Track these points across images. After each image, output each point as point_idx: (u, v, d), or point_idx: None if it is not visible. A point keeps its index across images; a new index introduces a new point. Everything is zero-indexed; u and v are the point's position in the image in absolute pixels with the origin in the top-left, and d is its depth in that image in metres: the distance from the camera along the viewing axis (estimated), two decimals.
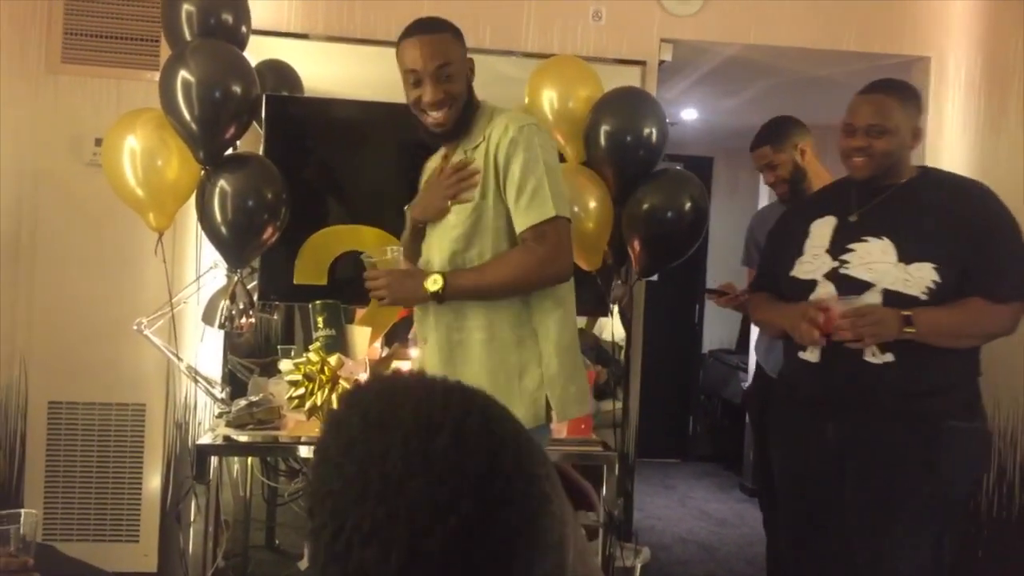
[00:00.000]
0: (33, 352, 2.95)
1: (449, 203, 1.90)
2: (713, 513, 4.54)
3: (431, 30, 1.88)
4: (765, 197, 4.78)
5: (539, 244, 1.84)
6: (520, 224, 1.86)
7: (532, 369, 1.89)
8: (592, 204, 2.71)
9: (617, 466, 2.61)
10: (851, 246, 2.04)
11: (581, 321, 3.51)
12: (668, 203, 2.69)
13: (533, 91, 2.82)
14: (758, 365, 3.02)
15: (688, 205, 2.70)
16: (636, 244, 2.73)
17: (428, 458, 0.60)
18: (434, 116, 1.88)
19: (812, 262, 2.09)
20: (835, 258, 2.05)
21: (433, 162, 2.09)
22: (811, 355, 2.07)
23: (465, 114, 1.91)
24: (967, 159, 3.22)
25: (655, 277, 3.29)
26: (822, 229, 2.12)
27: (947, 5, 3.36)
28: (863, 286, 1.99)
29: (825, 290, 2.04)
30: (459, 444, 0.60)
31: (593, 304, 3.14)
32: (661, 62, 3.32)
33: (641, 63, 3.23)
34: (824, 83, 3.82)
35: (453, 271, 1.89)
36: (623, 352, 3.21)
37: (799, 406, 2.15)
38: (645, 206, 2.69)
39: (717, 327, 5.75)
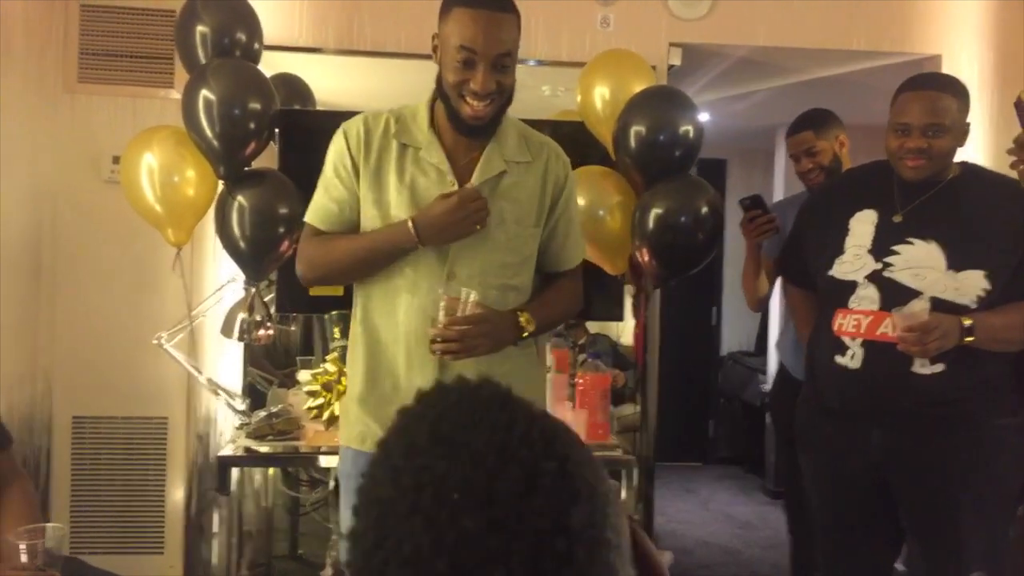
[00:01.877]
0: (56, 368, 2.99)
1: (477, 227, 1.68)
2: (736, 516, 4.52)
3: (502, 7, 1.62)
4: (781, 195, 4.77)
5: (578, 279, 1.90)
6: (569, 260, 1.86)
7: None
8: (617, 207, 2.64)
9: (636, 470, 2.61)
10: (896, 248, 1.98)
11: (597, 325, 3.54)
12: (681, 211, 2.52)
13: (585, 88, 2.75)
14: (781, 366, 2.99)
15: (704, 211, 2.52)
16: (645, 254, 2.57)
17: (490, 496, 0.55)
18: (476, 107, 1.62)
19: (853, 262, 2.02)
20: (878, 259, 1.99)
21: (429, 149, 1.72)
22: (851, 361, 2.00)
23: (503, 110, 1.69)
24: (978, 157, 3.20)
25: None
26: (863, 226, 2.04)
27: (957, 2, 3.35)
28: (909, 292, 1.93)
29: (867, 292, 1.98)
30: (527, 489, 0.55)
31: (608, 308, 3.14)
32: (670, 66, 3.33)
33: (651, 68, 3.24)
34: (836, 83, 3.81)
35: (531, 307, 1.75)
36: (639, 356, 3.20)
37: (837, 413, 2.07)
38: (655, 213, 2.52)
39: (735, 329, 5.73)
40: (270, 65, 2.84)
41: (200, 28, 2.48)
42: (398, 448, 0.59)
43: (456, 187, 1.69)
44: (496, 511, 0.54)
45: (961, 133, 2.00)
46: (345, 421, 1.82)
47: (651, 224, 2.51)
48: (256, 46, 2.59)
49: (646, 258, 2.57)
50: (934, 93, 1.97)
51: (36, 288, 2.98)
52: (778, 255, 2.51)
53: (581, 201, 2.67)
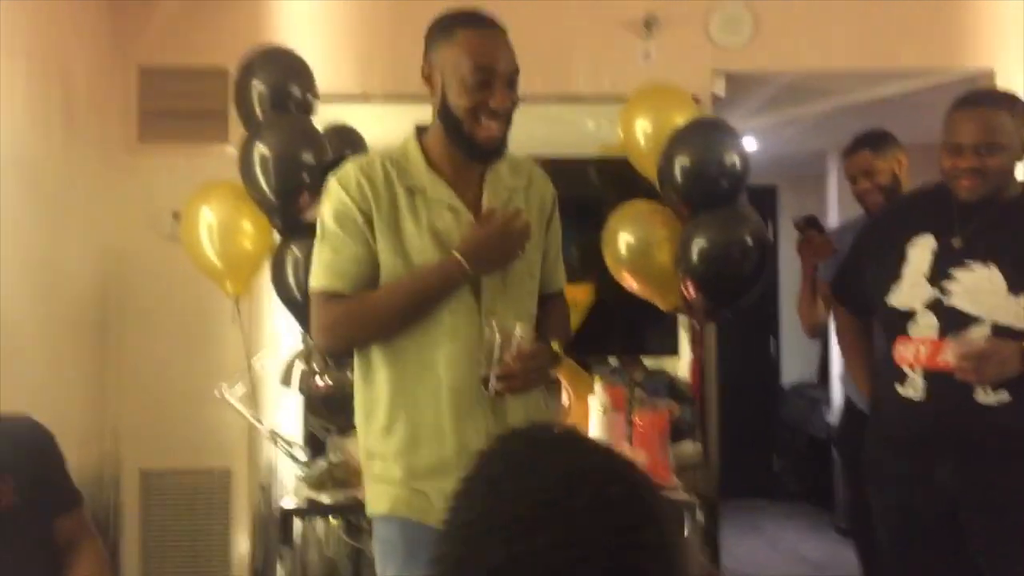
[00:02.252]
0: (123, 422, 3.06)
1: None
2: (808, 555, 4.37)
3: (500, 26, 1.63)
4: (835, 220, 4.68)
5: (565, 300, 1.86)
6: (559, 280, 1.82)
7: None
8: (665, 241, 2.60)
9: (699, 510, 2.54)
10: (954, 273, 1.92)
11: (653, 360, 3.49)
12: (724, 242, 2.48)
13: (626, 125, 2.76)
14: (847, 399, 2.91)
15: (748, 241, 2.49)
16: (691, 286, 2.52)
17: (564, 513, 0.59)
18: (492, 128, 1.58)
19: (911, 290, 1.97)
20: (935, 285, 1.93)
21: (436, 189, 1.65)
22: (913, 391, 1.94)
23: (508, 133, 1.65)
24: None
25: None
26: (921, 252, 1.99)
27: (1008, 15, 3.28)
28: (968, 319, 1.87)
29: (925, 320, 1.93)
30: (600, 506, 0.59)
31: (663, 343, 3.11)
32: (715, 96, 3.31)
33: (695, 99, 3.22)
34: (888, 103, 3.75)
35: (552, 335, 1.72)
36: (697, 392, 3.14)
37: (902, 446, 2.02)
38: (698, 245, 2.49)
39: (796, 360, 5.60)
40: (321, 115, 2.90)
41: (256, 84, 2.55)
42: (480, 481, 0.64)
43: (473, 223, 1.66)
44: (569, 528, 0.58)
45: (1019, 150, 1.94)
46: (385, 490, 1.66)
47: (694, 256, 2.49)
48: (310, 99, 2.65)
49: (692, 291, 2.54)
50: (986, 110, 1.92)
51: (102, 344, 3.06)
52: (833, 277, 2.46)
53: (629, 237, 2.67)
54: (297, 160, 2.46)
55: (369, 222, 1.61)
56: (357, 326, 1.64)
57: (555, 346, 1.69)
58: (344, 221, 1.61)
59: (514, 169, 1.73)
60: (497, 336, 1.56)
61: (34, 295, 2.61)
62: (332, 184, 1.64)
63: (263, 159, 2.45)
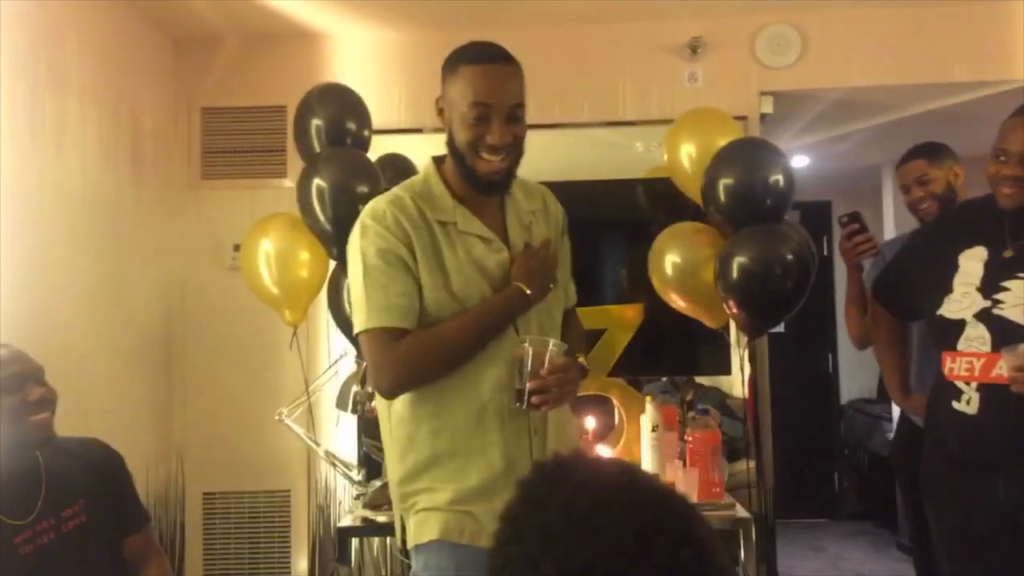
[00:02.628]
0: (188, 446, 3.19)
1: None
2: (869, 575, 4.27)
3: (507, 60, 1.62)
4: (891, 234, 4.60)
5: (577, 315, 1.91)
6: (572, 296, 1.87)
7: None
8: (711, 260, 2.58)
9: (754, 529, 2.52)
10: (1006, 284, 1.89)
11: (707, 380, 3.48)
12: (762, 259, 2.45)
13: (671, 149, 2.78)
14: (902, 415, 2.86)
15: (788, 258, 2.45)
16: (732, 305, 2.51)
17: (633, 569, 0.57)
18: (494, 162, 1.60)
19: (961, 300, 1.94)
20: (987, 296, 1.90)
21: (466, 221, 1.68)
22: (967, 406, 1.92)
23: (516, 165, 1.67)
24: None
25: (781, 328, 3.19)
26: (972, 264, 1.96)
27: None
28: (1021, 330, 1.84)
29: (976, 332, 1.90)
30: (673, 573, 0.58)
31: (716, 363, 3.10)
32: (763, 115, 3.31)
33: (743, 118, 3.23)
34: (941, 116, 3.69)
35: (575, 349, 1.76)
36: (751, 410, 3.13)
37: (959, 462, 1.98)
38: (738, 262, 2.47)
39: (855, 376, 5.49)
40: (377, 147, 3.00)
41: (315, 121, 2.66)
42: (530, 531, 0.60)
43: (504, 251, 1.68)
44: (620, 539, 0.57)
45: None
46: (434, 517, 1.64)
47: (734, 273, 2.47)
48: (366, 133, 2.75)
49: (734, 309, 2.53)
50: None
51: (168, 372, 3.20)
52: (875, 278, 2.43)
53: (675, 258, 2.68)
54: (352, 191, 2.55)
55: (412, 256, 1.61)
56: (426, 361, 1.62)
57: (581, 359, 1.72)
58: (388, 257, 1.60)
59: (527, 193, 1.77)
60: (531, 351, 1.58)
61: (104, 325, 2.75)
62: (368, 222, 1.63)
63: (320, 190, 2.55)
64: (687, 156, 2.73)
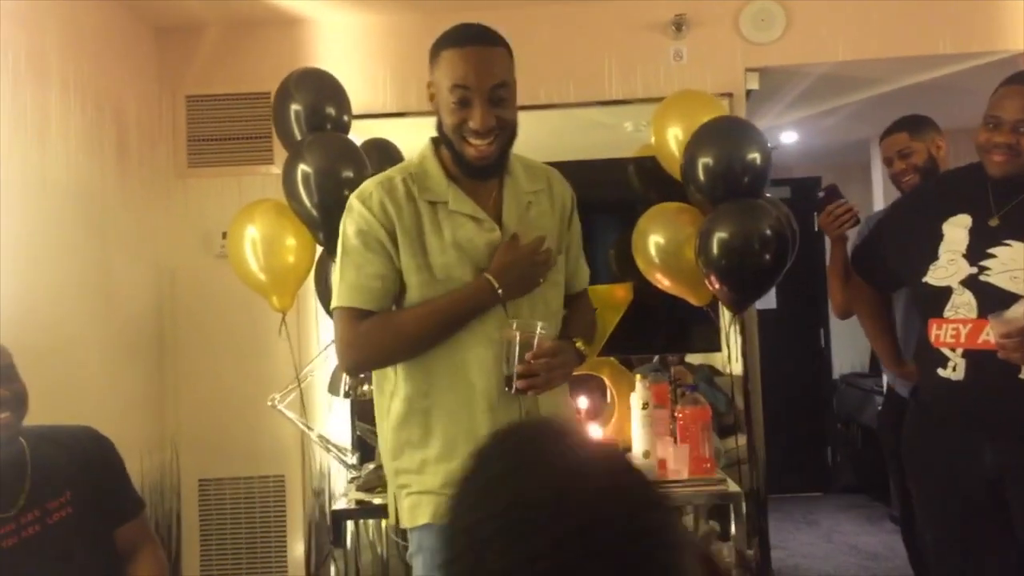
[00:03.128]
0: (182, 434, 3.20)
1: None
2: (863, 547, 4.31)
3: (488, 41, 1.61)
4: (880, 205, 4.61)
5: (589, 298, 1.89)
6: (583, 280, 1.86)
7: None
8: (693, 238, 2.61)
9: (745, 503, 2.55)
10: (992, 251, 1.91)
11: (695, 356, 3.50)
12: (742, 233, 2.49)
13: (658, 131, 2.81)
14: (888, 386, 2.89)
15: (767, 231, 2.49)
16: (714, 280, 2.55)
17: (559, 512, 0.61)
18: (479, 146, 1.59)
19: (947, 267, 1.96)
20: (973, 263, 1.92)
21: (457, 201, 1.66)
22: (953, 373, 1.93)
23: (508, 146, 1.65)
24: None
25: (773, 305, 3.22)
26: (957, 231, 1.98)
27: None
28: (1008, 297, 1.86)
29: (962, 299, 1.92)
30: (603, 499, 0.62)
31: (705, 340, 3.11)
32: (749, 92, 3.31)
33: (728, 95, 3.23)
34: (927, 88, 3.69)
35: (577, 334, 1.76)
36: (741, 386, 3.15)
37: (944, 429, 2.00)
38: (718, 237, 2.51)
39: (846, 350, 5.52)
40: (361, 132, 2.99)
41: (294, 106, 2.65)
42: (475, 483, 0.66)
43: (496, 231, 1.65)
44: (566, 527, 0.60)
45: None
46: (426, 499, 1.65)
47: (714, 249, 2.52)
48: (345, 118, 2.74)
49: (716, 284, 2.57)
50: None
51: (160, 360, 3.21)
52: (854, 249, 2.44)
53: (659, 238, 2.69)
54: (337, 176, 2.55)
55: (392, 239, 1.63)
56: (384, 344, 1.64)
57: (579, 344, 1.72)
58: (367, 239, 1.63)
59: (530, 173, 1.75)
60: (517, 335, 1.58)
61: (94, 314, 2.76)
62: (353, 202, 1.66)
63: (305, 176, 2.55)
64: (673, 137, 2.75)
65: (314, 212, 2.57)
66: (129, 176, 3.05)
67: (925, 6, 3.23)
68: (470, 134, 1.58)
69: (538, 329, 1.58)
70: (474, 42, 1.59)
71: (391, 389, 1.69)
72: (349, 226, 1.66)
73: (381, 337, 1.64)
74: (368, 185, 1.67)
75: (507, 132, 1.62)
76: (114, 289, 2.92)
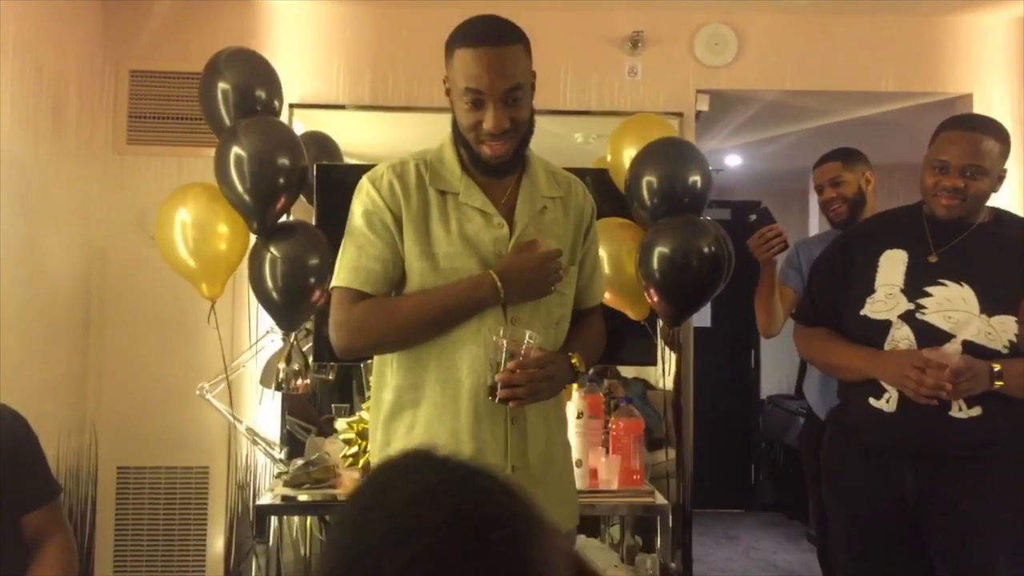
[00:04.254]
0: (103, 418, 3.08)
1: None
2: (780, 564, 4.42)
3: (503, 40, 1.55)
4: (816, 231, 4.75)
5: (601, 316, 1.84)
6: (595, 296, 1.82)
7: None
8: (634, 253, 2.70)
9: (671, 517, 2.59)
10: (929, 289, 1.95)
11: (629, 370, 3.54)
12: (680, 247, 2.59)
13: (615, 150, 2.90)
14: (809, 408, 2.96)
15: (704, 248, 2.59)
16: (653, 293, 2.65)
17: (416, 534, 0.61)
18: (493, 147, 1.57)
19: (886, 301, 1.99)
20: (911, 300, 1.96)
21: (468, 193, 1.64)
22: (886, 404, 1.97)
23: (524, 144, 1.64)
24: (1012, 196, 3.17)
25: (708, 324, 3.29)
26: (894, 264, 2.01)
27: (987, 41, 3.35)
28: (942, 335, 1.90)
29: (901, 333, 1.95)
30: (447, 521, 0.61)
31: (640, 353, 3.15)
32: (698, 113, 3.38)
33: (679, 114, 3.29)
34: (868, 123, 3.82)
35: (577, 348, 1.69)
36: (673, 401, 3.19)
37: (869, 453, 2.03)
38: (658, 251, 2.60)
39: (774, 372, 5.66)
40: (306, 121, 2.94)
41: (222, 85, 2.55)
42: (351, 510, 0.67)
43: (504, 228, 1.62)
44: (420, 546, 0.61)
45: (998, 178, 1.99)
46: None
47: (654, 262, 2.61)
48: (276, 103, 2.65)
49: (654, 297, 2.65)
50: (977, 135, 1.96)
51: (85, 341, 3.09)
52: (802, 295, 2.48)
53: (601, 251, 2.73)
54: (274, 162, 2.46)
55: (398, 224, 1.60)
56: (376, 328, 1.61)
57: (575, 359, 1.65)
58: (372, 220, 1.60)
59: (552, 179, 1.72)
60: (503, 343, 1.53)
61: (17, 291, 2.64)
62: (364, 183, 1.63)
63: (239, 160, 2.44)
64: (628, 158, 2.81)
65: (246, 198, 2.48)
66: (64, 147, 2.93)
67: (872, 44, 3.34)
68: (484, 136, 1.56)
69: (526, 339, 1.54)
70: (488, 42, 1.54)
71: (386, 381, 1.66)
72: (357, 206, 1.63)
73: (374, 321, 1.60)
74: (381, 167, 1.65)
75: (521, 131, 1.60)
76: (40, 265, 2.80)
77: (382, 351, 1.66)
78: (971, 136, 1.96)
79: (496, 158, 1.58)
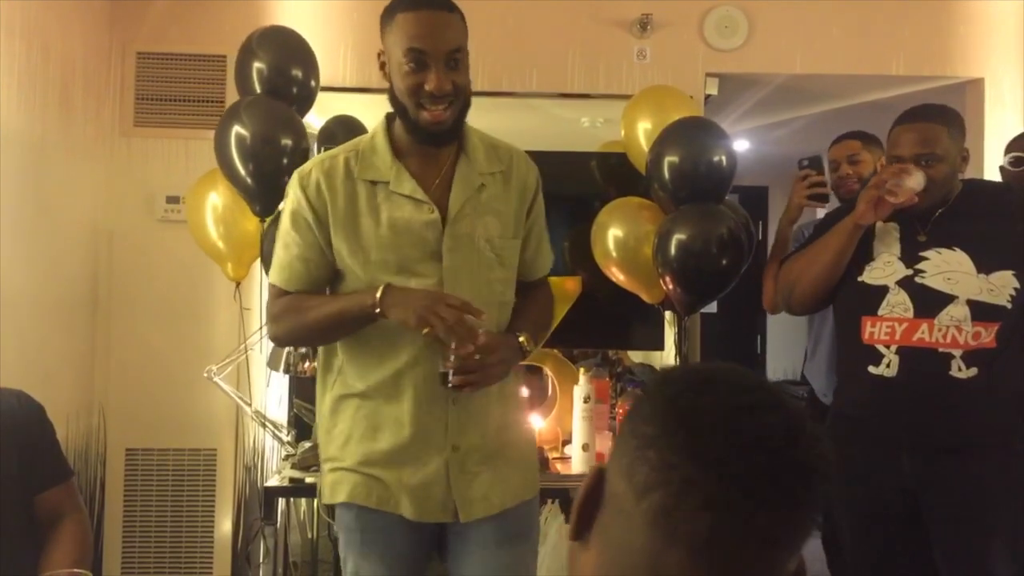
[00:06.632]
0: (111, 401, 3.09)
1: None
2: None
3: (443, 6, 1.57)
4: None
5: (549, 287, 1.86)
6: (542, 268, 1.82)
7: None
8: (652, 236, 2.62)
9: None
10: (925, 254, 2.00)
11: (637, 355, 3.54)
12: (700, 236, 2.51)
13: (628, 123, 2.80)
14: (811, 393, 2.95)
15: (725, 236, 2.51)
16: (668, 280, 2.56)
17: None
18: (435, 111, 1.55)
19: (884, 267, 2.03)
20: (908, 266, 2.00)
21: (399, 182, 1.61)
22: (886, 369, 1.98)
23: (463, 114, 1.62)
24: None
25: (714, 309, 3.26)
26: (889, 233, 2.06)
27: (998, 24, 3.32)
28: (944, 298, 1.94)
29: (898, 298, 1.99)
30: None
31: (649, 338, 3.14)
32: (707, 96, 3.35)
33: (688, 98, 3.26)
34: (878, 108, 3.78)
35: (523, 326, 1.70)
36: None
37: (867, 437, 2.05)
38: (676, 239, 2.51)
39: (780, 357, 5.67)
40: (326, 109, 2.91)
41: (257, 64, 2.49)
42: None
43: (435, 213, 1.60)
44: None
45: (958, 159, 2.02)
46: (344, 477, 1.65)
47: (672, 250, 2.51)
48: (312, 83, 2.59)
49: (670, 285, 2.57)
50: (922, 124, 2.00)
51: (92, 323, 3.10)
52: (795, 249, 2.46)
53: (618, 232, 2.70)
54: (276, 143, 2.40)
55: (322, 224, 1.61)
56: (291, 326, 1.66)
57: (522, 338, 1.66)
58: (297, 220, 1.62)
59: (492, 154, 1.70)
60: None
61: (27, 273, 2.64)
62: (293, 180, 1.64)
63: (239, 139, 2.39)
64: (643, 132, 2.75)
65: (248, 180, 2.42)
66: (71, 129, 2.93)
67: (883, 27, 3.32)
68: (426, 98, 1.54)
69: (473, 325, 1.53)
70: (430, 6, 1.55)
71: (334, 365, 1.68)
72: (287, 204, 1.66)
73: (289, 319, 1.66)
74: (310, 163, 1.65)
75: (462, 98, 1.59)
76: (49, 247, 2.80)
77: (302, 345, 1.75)
78: (918, 127, 2.00)
79: (436, 124, 1.56)
